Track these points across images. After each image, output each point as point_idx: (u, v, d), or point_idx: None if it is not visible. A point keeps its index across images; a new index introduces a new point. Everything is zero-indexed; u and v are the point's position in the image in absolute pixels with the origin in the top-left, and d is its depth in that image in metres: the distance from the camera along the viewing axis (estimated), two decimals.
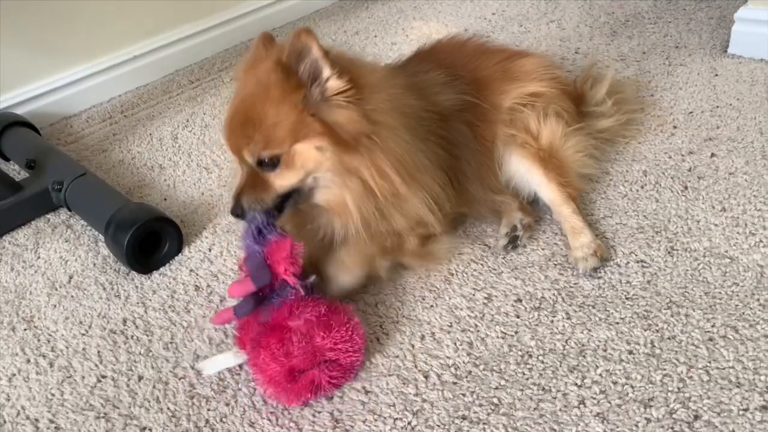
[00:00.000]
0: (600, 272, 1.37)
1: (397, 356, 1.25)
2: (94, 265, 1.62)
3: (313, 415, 1.17)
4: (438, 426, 1.11)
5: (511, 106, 1.54)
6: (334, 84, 1.21)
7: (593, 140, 1.63)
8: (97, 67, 2.46)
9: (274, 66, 1.21)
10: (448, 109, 1.45)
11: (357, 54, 1.63)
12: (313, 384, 1.16)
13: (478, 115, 1.52)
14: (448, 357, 1.24)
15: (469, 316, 1.32)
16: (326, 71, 1.20)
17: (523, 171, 1.51)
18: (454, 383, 1.18)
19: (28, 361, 1.37)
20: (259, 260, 1.19)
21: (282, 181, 1.26)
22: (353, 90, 1.22)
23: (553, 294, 1.34)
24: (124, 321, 1.44)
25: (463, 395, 1.16)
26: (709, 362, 1.15)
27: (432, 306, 1.35)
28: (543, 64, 1.65)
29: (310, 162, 1.25)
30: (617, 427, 1.07)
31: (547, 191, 1.50)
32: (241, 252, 1.40)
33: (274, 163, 1.24)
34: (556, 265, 1.41)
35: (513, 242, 1.45)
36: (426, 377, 1.20)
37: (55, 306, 1.51)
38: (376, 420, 1.14)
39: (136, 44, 2.54)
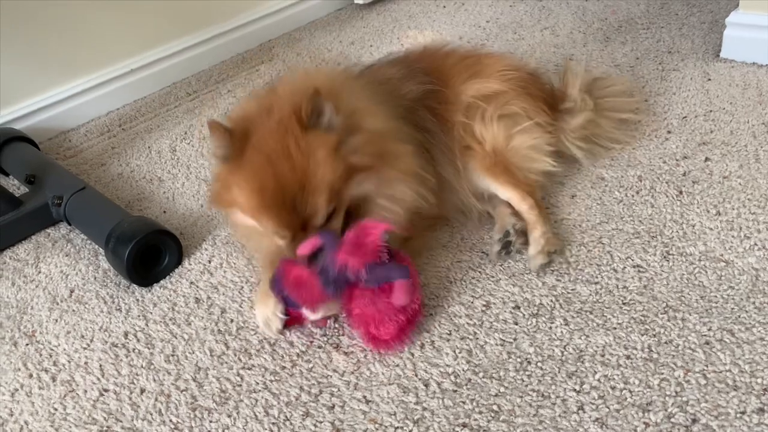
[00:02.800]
0: (596, 277, 1.39)
1: (397, 365, 1.26)
2: (95, 278, 1.63)
3: (315, 425, 1.18)
4: None
5: (469, 101, 1.58)
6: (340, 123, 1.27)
7: (551, 137, 1.63)
8: (94, 81, 2.47)
9: (302, 133, 1.23)
10: (412, 99, 1.51)
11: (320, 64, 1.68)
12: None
13: (439, 101, 1.57)
14: (447, 365, 1.25)
15: (468, 323, 1.33)
16: (337, 119, 1.26)
17: (477, 178, 1.56)
18: (454, 391, 1.19)
19: (31, 375, 1.38)
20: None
21: (336, 222, 1.29)
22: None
23: (551, 300, 1.35)
24: (126, 334, 1.45)
25: (463, 403, 1.17)
26: (706, 366, 1.16)
27: (431, 314, 1.36)
28: (507, 63, 1.68)
29: (355, 194, 1.30)
30: None
31: (503, 192, 1.54)
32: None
33: (331, 213, 1.27)
34: (553, 271, 1.42)
35: (506, 248, 1.47)
36: (426, 385, 1.21)
37: (56, 320, 1.52)
38: (377, 429, 1.15)
39: (133, 58, 2.56)
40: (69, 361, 1.40)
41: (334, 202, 1.26)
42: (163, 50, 2.63)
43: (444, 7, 2.94)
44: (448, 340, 1.30)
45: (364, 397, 1.21)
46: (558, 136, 1.66)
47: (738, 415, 1.07)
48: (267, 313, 1.37)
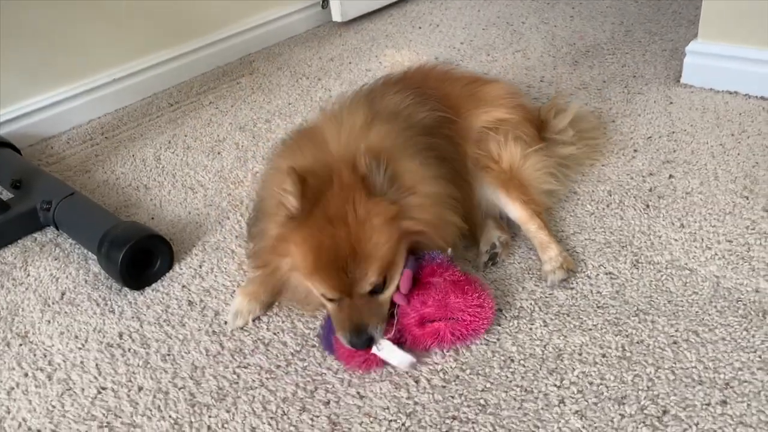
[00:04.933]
0: (571, 283, 1.48)
1: (388, 363, 1.33)
2: (86, 281, 1.66)
3: (312, 420, 1.24)
4: (430, 426, 1.20)
5: (479, 129, 1.66)
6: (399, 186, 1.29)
7: (552, 160, 1.74)
8: (76, 89, 2.50)
9: (365, 199, 1.24)
10: (428, 126, 1.54)
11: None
12: (437, 334, 1.30)
13: (453, 130, 1.62)
14: (436, 363, 1.32)
15: None
16: (394, 181, 1.27)
17: (489, 192, 1.62)
18: (443, 387, 1.27)
19: (26, 374, 1.41)
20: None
21: (389, 292, 1.30)
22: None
23: (531, 304, 1.44)
24: (120, 335, 1.48)
25: (452, 397, 1.25)
26: (675, 363, 1.26)
27: None
28: (508, 90, 1.78)
29: (405, 258, 1.31)
30: (594, 423, 1.17)
31: (513, 209, 1.60)
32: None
33: (384, 282, 1.28)
34: (531, 277, 1.52)
35: (493, 259, 1.55)
36: (417, 382, 1.29)
37: (49, 322, 1.55)
38: (372, 422, 1.22)
39: (115, 68, 2.60)
40: (64, 361, 1.43)
41: (384, 273, 1.26)
42: (145, 61, 2.67)
43: (419, 27, 3.05)
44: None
45: (358, 392, 1.28)
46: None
47: (704, 407, 1.17)
48: (243, 307, 1.46)
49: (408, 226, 1.30)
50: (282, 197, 1.26)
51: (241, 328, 1.46)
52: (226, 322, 1.48)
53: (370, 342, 1.26)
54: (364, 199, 1.24)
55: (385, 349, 1.28)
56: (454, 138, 1.60)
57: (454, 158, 1.56)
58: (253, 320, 1.47)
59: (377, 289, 1.27)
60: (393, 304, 1.31)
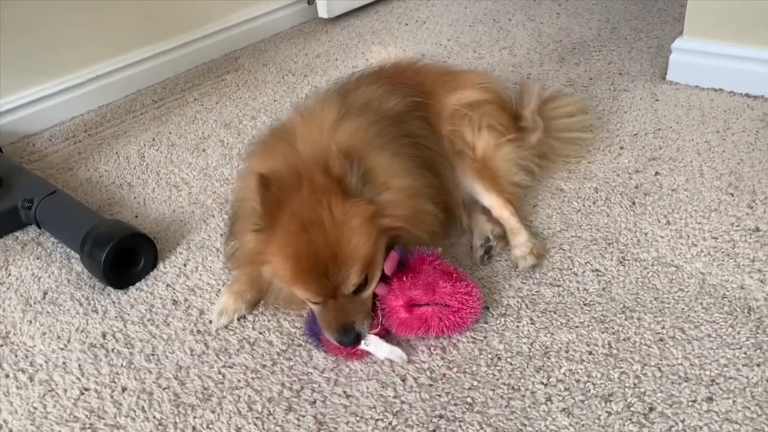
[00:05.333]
0: (558, 280, 1.48)
1: (375, 362, 1.32)
2: (68, 281, 1.64)
3: (298, 419, 1.23)
4: (417, 425, 1.19)
5: (452, 108, 1.66)
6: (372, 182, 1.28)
7: (524, 152, 1.74)
8: (58, 86, 2.46)
9: (341, 201, 1.22)
10: (400, 113, 1.54)
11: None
12: (425, 320, 1.29)
13: (427, 111, 1.63)
14: (423, 361, 1.32)
15: None
16: (367, 180, 1.26)
17: (466, 181, 1.63)
18: (430, 385, 1.26)
19: (7, 376, 1.38)
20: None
21: (370, 288, 1.30)
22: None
23: (518, 301, 1.44)
24: (104, 335, 1.46)
25: (439, 396, 1.24)
26: (661, 360, 1.26)
27: None
28: (483, 77, 1.79)
29: (384, 253, 1.31)
30: (581, 421, 1.17)
31: (487, 197, 1.62)
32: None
33: (366, 280, 1.28)
34: (518, 275, 1.51)
35: (488, 252, 1.55)
36: (403, 380, 1.28)
37: (30, 322, 1.52)
38: (358, 421, 1.21)
39: (98, 64, 2.56)
40: (46, 362, 1.41)
41: (366, 271, 1.26)
42: (129, 57, 2.64)
43: (406, 24, 3.04)
44: (423, 339, 1.36)
45: (345, 392, 1.27)
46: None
47: (690, 404, 1.17)
48: (228, 305, 1.45)
49: (385, 223, 1.29)
50: (254, 203, 1.25)
51: (226, 328, 1.45)
52: (211, 322, 1.46)
53: (358, 338, 1.27)
54: (341, 201, 1.23)
55: (372, 344, 1.28)
56: (428, 119, 1.61)
57: (429, 138, 1.56)
58: (239, 319, 1.46)
59: (359, 288, 1.27)
60: (375, 294, 1.32)
